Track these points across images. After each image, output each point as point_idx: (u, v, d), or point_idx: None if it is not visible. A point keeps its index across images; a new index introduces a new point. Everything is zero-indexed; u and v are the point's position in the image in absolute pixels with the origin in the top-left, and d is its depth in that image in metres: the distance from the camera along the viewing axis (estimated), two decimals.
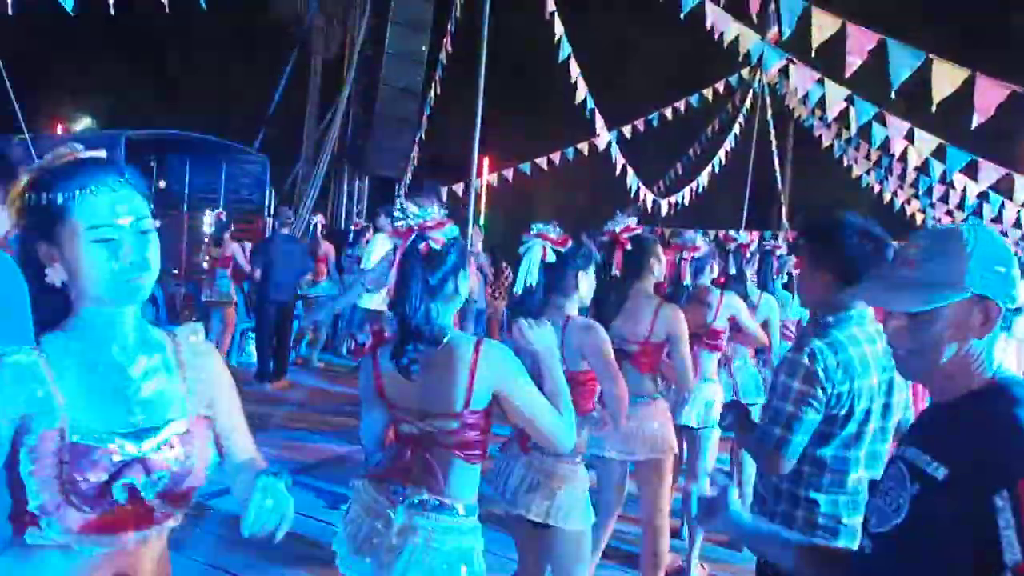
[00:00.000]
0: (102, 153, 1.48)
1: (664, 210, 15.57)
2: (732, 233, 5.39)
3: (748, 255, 5.19)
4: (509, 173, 13.86)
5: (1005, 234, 12.66)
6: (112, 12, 3.98)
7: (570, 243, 2.97)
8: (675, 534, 4.71)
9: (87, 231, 1.38)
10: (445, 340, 2.18)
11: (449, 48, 12.56)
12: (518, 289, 2.91)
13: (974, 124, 4.40)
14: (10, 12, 5.23)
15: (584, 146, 12.90)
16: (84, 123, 23.79)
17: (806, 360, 2.27)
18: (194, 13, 5.72)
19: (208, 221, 9.67)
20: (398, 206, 2.28)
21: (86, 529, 1.40)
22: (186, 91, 24.35)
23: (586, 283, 3.04)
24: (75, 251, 1.39)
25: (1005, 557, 1.26)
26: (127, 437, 1.44)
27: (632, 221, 3.79)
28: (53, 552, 1.41)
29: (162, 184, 10.42)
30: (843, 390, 2.26)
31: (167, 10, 4.31)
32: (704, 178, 16.26)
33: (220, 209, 9.87)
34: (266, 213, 11.46)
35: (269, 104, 14.10)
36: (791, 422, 2.26)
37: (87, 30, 19.69)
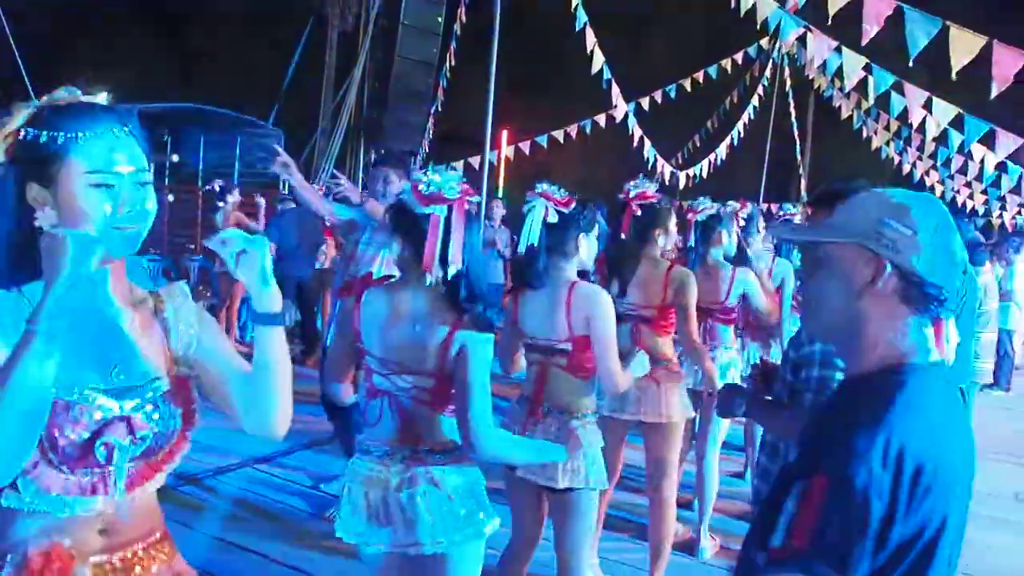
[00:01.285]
0: (102, 99, 1.43)
1: (682, 182, 15.47)
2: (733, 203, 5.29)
3: (740, 222, 5.10)
4: (526, 146, 13.79)
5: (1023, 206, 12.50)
6: None
7: (573, 204, 2.95)
8: (686, 506, 4.72)
9: (86, 175, 1.33)
10: None
11: (463, 19, 12.46)
12: (521, 249, 2.92)
13: (993, 93, 4.32)
14: None
15: (602, 118, 12.80)
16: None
17: None
18: None
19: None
20: (426, 174, 2.30)
21: (64, 491, 1.36)
22: (203, 65, 24.38)
23: (586, 246, 2.99)
24: (71, 194, 1.34)
25: (770, 538, 1.21)
26: (108, 394, 1.39)
27: (650, 188, 3.79)
28: (31, 516, 1.36)
29: (176, 158, 10.42)
30: None
31: None
32: (723, 150, 16.12)
33: (217, 180, 9.73)
34: (281, 187, 11.47)
35: (285, 77, 14.10)
36: None
37: (104, 5, 19.73)
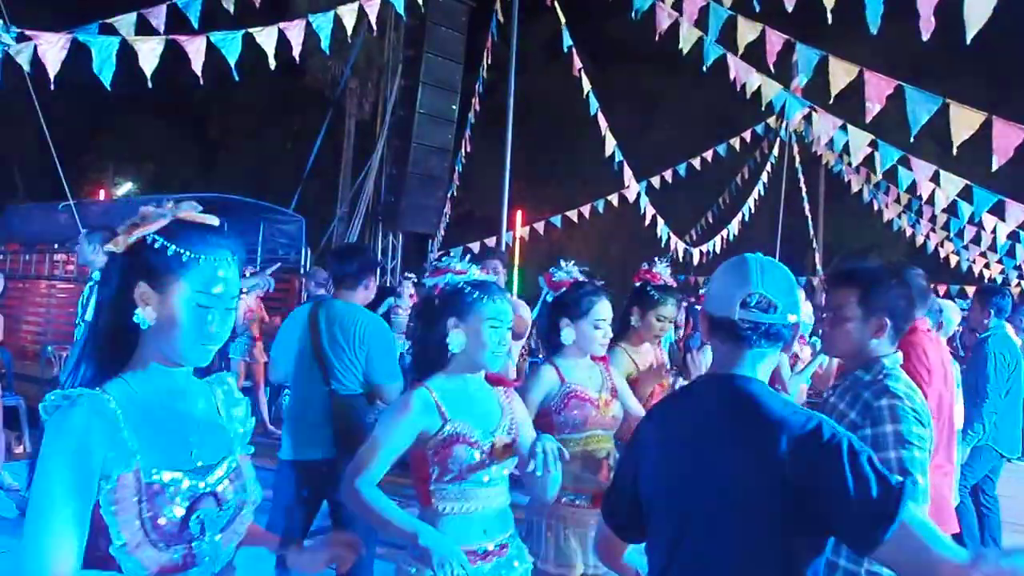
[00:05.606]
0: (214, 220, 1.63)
1: (696, 259, 15.60)
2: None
3: None
4: (540, 226, 14.03)
5: None
6: (150, 85, 4.21)
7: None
8: None
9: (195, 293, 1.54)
10: None
11: (477, 107, 12.85)
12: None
13: (994, 166, 4.44)
14: (51, 87, 5.53)
15: (614, 197, 13.03)
16: (126, 188, 24.52)
17: (902, 401, 2.24)
18: (231, 81, 5.99)
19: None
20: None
21: (163, 570, 1.48)
22: (225, 155, 25.08)
23: (570, 331, 3.10)
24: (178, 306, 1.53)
25: None
26: (194, 474, 1.54)
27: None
28: None
29: None
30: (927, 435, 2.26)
31: (201, 82, 4.54)
32: (735, 226, 16.27)
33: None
34: (302, 272, 11.67)
35: (305, 165, 14.48)
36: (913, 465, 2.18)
37: (128, 100, 20.51)
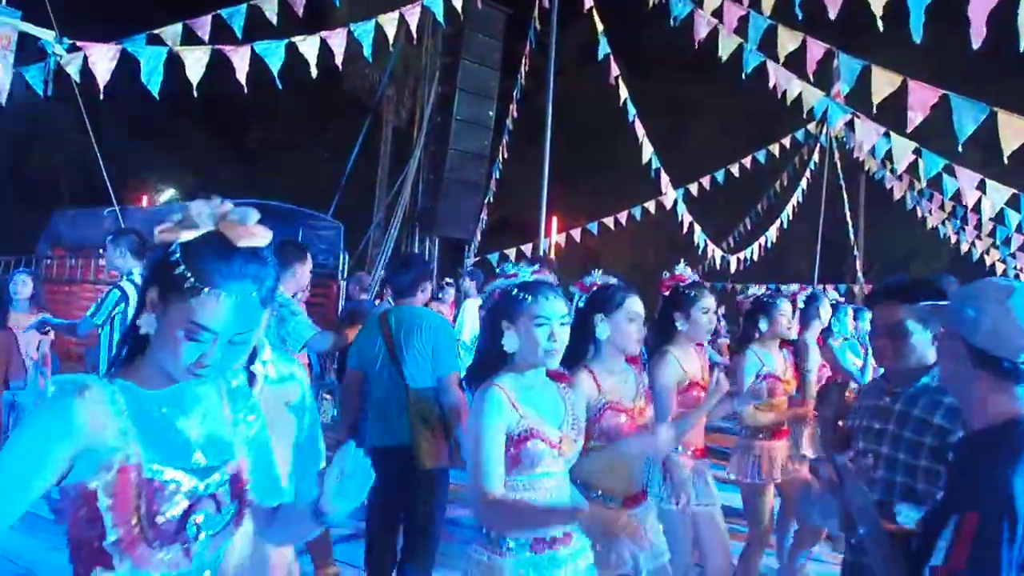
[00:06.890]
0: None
1: (733, 266, 15.46)
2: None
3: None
4: (577, 233, 14.01)
5: None
6: (195, 94, 4.31)
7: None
8: None
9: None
10: None
11: (515, 114, 12.87)
12: None
13: None
14: (101, 97, 5.66)
15: (651, 204, 12.97)
16: (168, 195, 24.91)
17: None
18: (271, 89, 6.07)
19: None
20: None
21: (155, 568, 1.45)
22: (264, 162, 25.39)
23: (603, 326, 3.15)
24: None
25: (928, 559, 1.63)
26: (195, 475, 1.50)
27: (685, 272, 3.84)
28: None
29: None
30: None
31: (246, 91, 4.62)
32: (772, 233, 16.09)
33: None
34: (340, 277, 11.77)
35: (343, 172, 14.60)
36: None
37: (170, 108, 20.89)
